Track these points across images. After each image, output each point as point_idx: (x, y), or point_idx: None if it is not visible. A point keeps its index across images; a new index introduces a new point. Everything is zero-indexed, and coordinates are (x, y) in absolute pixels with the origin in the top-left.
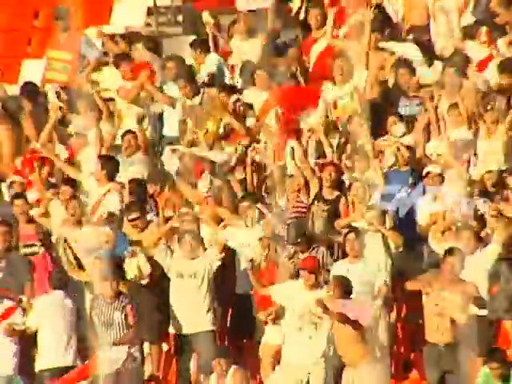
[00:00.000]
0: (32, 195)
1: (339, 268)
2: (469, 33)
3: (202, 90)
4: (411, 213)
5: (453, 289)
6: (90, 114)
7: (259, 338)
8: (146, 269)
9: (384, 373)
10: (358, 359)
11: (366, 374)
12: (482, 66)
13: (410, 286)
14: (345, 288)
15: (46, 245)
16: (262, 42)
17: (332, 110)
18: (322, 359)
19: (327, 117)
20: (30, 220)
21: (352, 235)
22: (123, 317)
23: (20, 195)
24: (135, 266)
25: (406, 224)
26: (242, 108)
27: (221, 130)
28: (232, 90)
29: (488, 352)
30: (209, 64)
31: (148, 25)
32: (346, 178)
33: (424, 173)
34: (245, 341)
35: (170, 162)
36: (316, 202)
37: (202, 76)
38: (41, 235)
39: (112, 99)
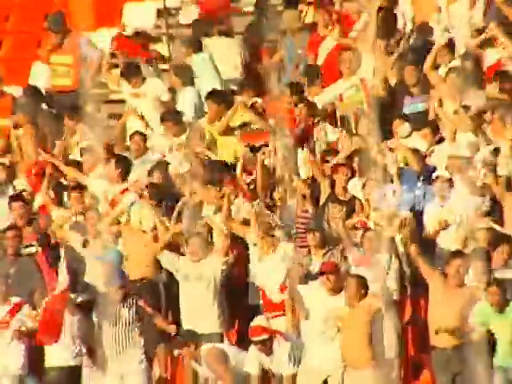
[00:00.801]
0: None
1: None
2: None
3: (187, 128)
4: (417, 213)
5: (456, 294)
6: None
7: None
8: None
9: (390, 377)
10: (362, 362)
11: (370, 379)
12: (490, 71)
13: (422, 263)
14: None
15: (43, 245)
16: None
17: (338, 103)
18: (342, 363)
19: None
20: (29, 222)
21: (370, 234)
22: (132, 314)
23: (17, 198)
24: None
25: None
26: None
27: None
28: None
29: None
30: (194, 61)
31: (158, 27)
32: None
33: (433, 177)
34: None
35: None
36: (331, 202)
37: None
38: (39, 235)
39: (121, 101)
